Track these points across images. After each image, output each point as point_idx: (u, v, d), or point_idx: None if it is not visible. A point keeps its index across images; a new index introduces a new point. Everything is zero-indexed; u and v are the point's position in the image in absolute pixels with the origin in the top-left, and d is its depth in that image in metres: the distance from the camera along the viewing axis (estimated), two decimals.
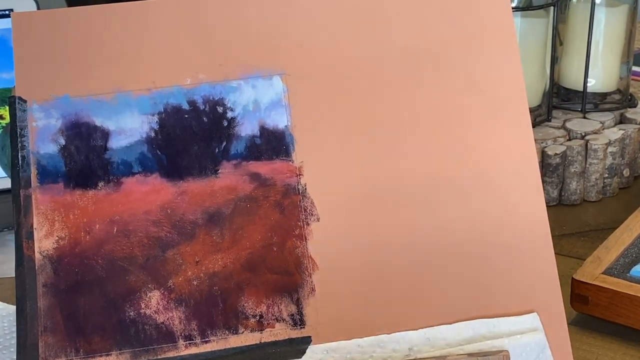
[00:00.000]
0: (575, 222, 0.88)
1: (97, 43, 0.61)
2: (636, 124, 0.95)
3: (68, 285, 0.57)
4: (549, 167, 0.90)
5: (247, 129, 0.60)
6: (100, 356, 0.56)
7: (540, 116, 0.94)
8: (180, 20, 0.61)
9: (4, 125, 0.93)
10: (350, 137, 0.60)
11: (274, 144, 0.60)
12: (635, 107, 0.98)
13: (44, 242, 0.57)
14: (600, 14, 0.94)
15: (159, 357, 0.56)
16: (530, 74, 0.91)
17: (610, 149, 0.91)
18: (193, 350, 0.56)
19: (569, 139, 0.92)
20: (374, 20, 0.62)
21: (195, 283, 0.57)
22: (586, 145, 0.90)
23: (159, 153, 0.59)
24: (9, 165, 0.60)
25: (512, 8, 0.73)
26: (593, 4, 0.91)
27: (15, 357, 0.56)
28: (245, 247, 0.58)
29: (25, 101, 0.60)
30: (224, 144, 0.60)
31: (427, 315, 0.58)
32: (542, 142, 0.90)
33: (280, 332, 0.57)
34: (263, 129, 0.60)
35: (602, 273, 0.71)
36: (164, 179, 0.59)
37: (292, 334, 0.57)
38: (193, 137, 0.60)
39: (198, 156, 0.59)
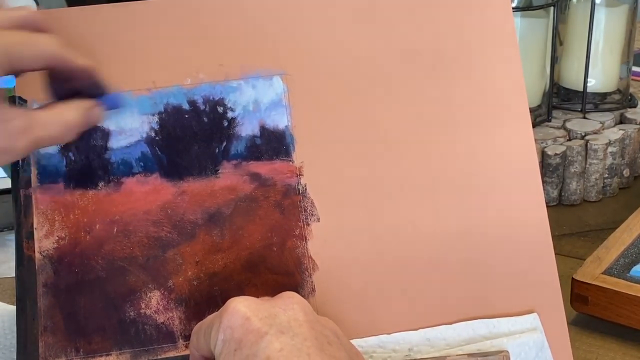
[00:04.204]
0: (575, 222, 0.88)
1: (97, 43, 0.61)
2: (636, 124, 0.95)
3: (68, 285, 0.57)
4: (549, 167, 0.90)
5: (247, 129, 0.60)
6: (101, 356, 0.56)
7: (540, 116, 0.94)
8: (180, 20, 0.61)
9: None
10: (350, 137, 0.60)
11: (274, 144, 0.60)
12: (635, 107, 0.98)
13: (44, 242, 0.57)
14: (600, 14, 0.94)
15: (159, 357, 0.56)
16: (530, 74, 0.91)
17: (610, 149, 0.91)
18: None
19: (569, 139, 0.92)
20: (374, 20, 0.62)
21: (195, 283, 0.57)
22: (586, 145, 0.91)
23: (159, 153, 0.59)
24: (9, 165, 0.60)
25: (512, 8, 0.73)
26: (593, 4, 0.91)
27: (15, 357, 0.56)
28: (246, 247, 0.58)
29: (25, 101, 0.60)
30: (224, 144, 0.60)
31: (427, 315, 0.58)
32: (542, 142, 0.90)
33: None
34: (263, 129, 0.60)
35: (602, 273, 0.71)
36: (164, 179, 0.59)
37: None
38: (193, 137, 0.60)
39: (198, 156, 0.59)
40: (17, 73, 0.52)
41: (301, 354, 0.46)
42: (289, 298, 0.49)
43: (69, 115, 0.54)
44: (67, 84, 0.54)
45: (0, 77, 0.52)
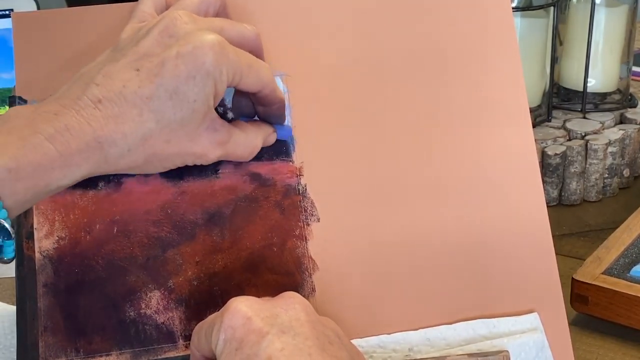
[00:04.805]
0: (575, 222, 0.88)
1: (97, 43, 0.61)
2: (636, 124, 0.95)
3: (68, 285, 0.57)
4: (549, 167, 0.90)
5: None
6: (101, 356, 0.56)
7: (540, 116, 0.94)
8: None
9: None
10: (350, 137, 0.60)
11: (274, 144, 0.60)
12: (635, 107, 0.98)
13: (44, 242, 0.57)
14: (600, 14, 0.94)
15: (159, 357, 0.56)
16: (530, 74, 0.91)
17: (610, 149, 0.91)
18: None
19: (569, 139, 0.92)
20: (374, 21, 0.62)
21: (195, 283, 0.57)
22: (586, 145, 0.90)
23: None
24: None
25: (512, 8, 0.73)
26: (593, 4, 0.91)
27: (15, 357, 0.56)
28: (246, 248, 0.58)
29: (25, 101, 0.60)
30: None
31: (427, 315, 0.58)
32: (542, 142, 0.90)
33: None
34: None
35: (602, 273, 0.71)
36: (164, 179, 0.59)
37: None
38: None
39: None
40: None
41: (302, 353, 0.46)
42: (290, 298, 0.49)
43: (257, 141, 0.58)
44: (259, 108, 0.58)
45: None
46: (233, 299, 0.49)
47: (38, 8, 0.94)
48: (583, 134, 0.92)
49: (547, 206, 0.61)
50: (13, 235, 0.50)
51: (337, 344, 0.48)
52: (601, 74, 0.97)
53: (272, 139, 0.59)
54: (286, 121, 0.60)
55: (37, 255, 0.57)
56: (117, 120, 0.51)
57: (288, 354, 0.45)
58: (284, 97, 0.58)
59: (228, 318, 0.48)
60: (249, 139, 0.57)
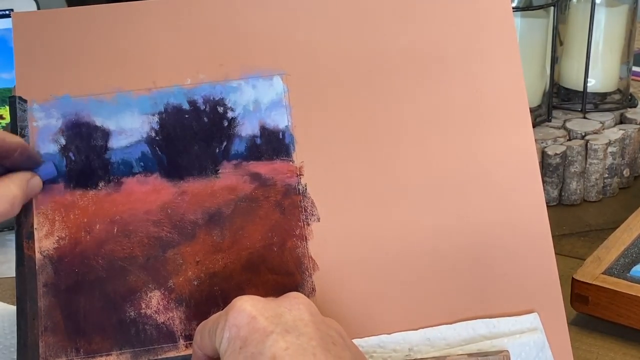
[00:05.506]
0: (575, 222, 0.88)
1: (97, 43, 0.61)
2: (636, 124, 0.95)
3: (68, 285, 0.57)
4: (549, 167, 0.90)
5: (247, 129, 0.60)
6: (101, 356, 0.56)
7: (540, 116, 0.94)
8: (180, 20, 0.61)
9: (4, 125, 0.93)
10: (351, 137, 0.60)
11: (274, 144, 0.60)
12: (635, 107, 0.98)
13: (44, 242, 0.57)
14: (600, 14, 0.94)
15: (159, 357, 0.56)
16: (530, 74, 0.91)
17: (610, 149, 0.91)
18: None
19: (569, 139, 0.92)
20: (374, 20, 0.62)
21: (195, 283, 0.57)
22: (586, 145, 0.90)
23: (160, 153, 0.59)
24: None
25: (512, 8, 0.73)
26: (593, 4, 0.91)
27: (15, 357, 0.56)
28: (246, 247, 0.58)
29: (25, 101, 0.60)
30: (224, 144, 0.60)
31: (427, 315, 0.58)
32: (542, 142, 0.90)
33: None
34: (263, 129, 0.60)
35: (602, 273, 0.71)
36: (164, 179, 0.59)
37: None
38: (193, 137, 0.60)
39: (198, 156, 0.59)
40: None
41: (307, 353, 0.46)
42: (295, 298, 0.50)
43: (15, 190, 0.55)
44: (2, 161, 0.56)
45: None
46: (238, 297, 0.49)
47: (38, 8, 0.94)
48: (583, 134, 0.92)
49: (547, 206, 0.61)
50: None
51: (341, 345, 0.48)
52: (601, 74, 0.97)
53: (36, 182, 0.57)
54: (55, 160, 0.58)
55: (37, 255, 0.57)
56: None
57: (292, 353, 0.45)
58: (33, 137, 0.57)
59: (233, 317, 0.48)
60: (6, 192, 0.55)
